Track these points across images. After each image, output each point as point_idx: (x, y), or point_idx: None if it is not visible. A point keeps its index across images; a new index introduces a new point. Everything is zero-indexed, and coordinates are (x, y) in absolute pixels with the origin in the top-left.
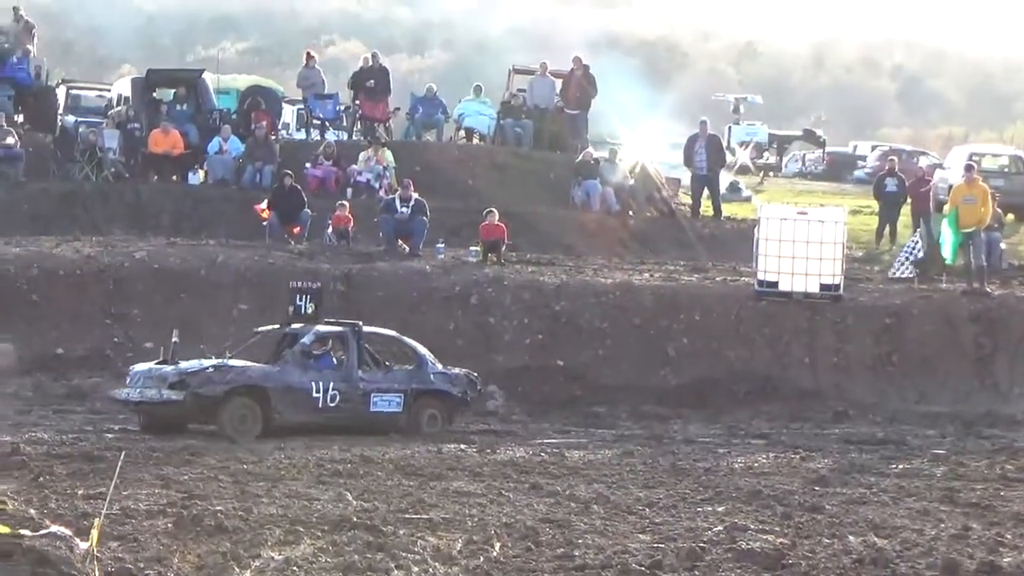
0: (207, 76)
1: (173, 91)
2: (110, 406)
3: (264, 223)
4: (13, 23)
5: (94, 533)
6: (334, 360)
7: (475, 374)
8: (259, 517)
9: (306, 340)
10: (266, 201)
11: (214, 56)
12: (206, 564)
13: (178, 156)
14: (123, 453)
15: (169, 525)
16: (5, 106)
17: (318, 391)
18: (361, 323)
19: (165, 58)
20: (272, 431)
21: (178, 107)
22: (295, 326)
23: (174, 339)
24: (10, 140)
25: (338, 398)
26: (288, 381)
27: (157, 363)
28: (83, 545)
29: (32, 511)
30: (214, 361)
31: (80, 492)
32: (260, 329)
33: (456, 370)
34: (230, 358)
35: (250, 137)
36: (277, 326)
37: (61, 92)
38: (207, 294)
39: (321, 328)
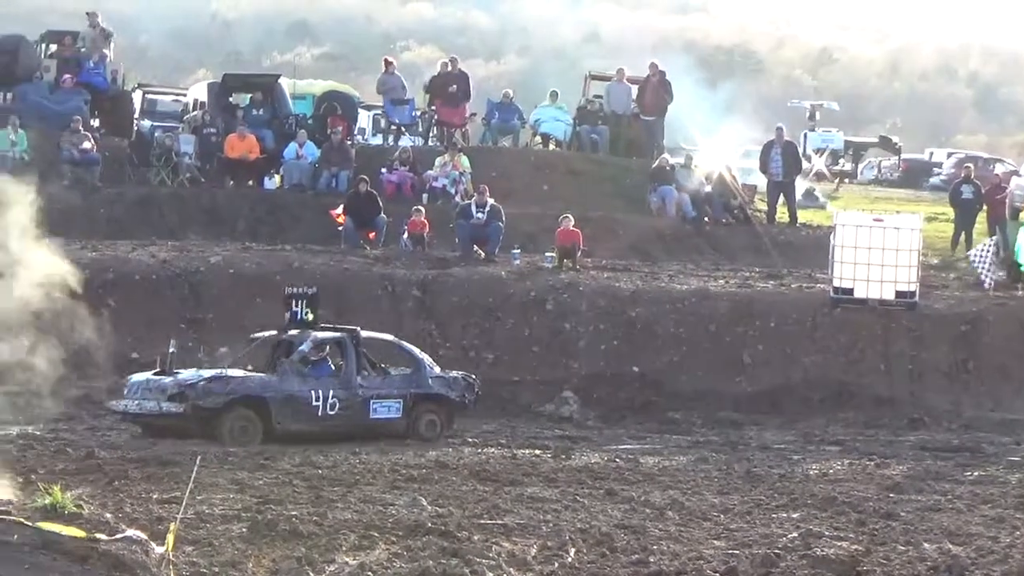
0: (283, 81)
1: (249, 96)
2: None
3: (340, 228)
4: (89, 28)
5: (170, 537)
6: (331, 367)
7: (473, 377)
8: (333, 522)
9: (304, 347)
10: (342, 206)
11: (290, 61)
12: (280, 569)
13: (254, 161)
14: (198, 458)
15: (244, 530)
16: (82, 111)
17: (318, 399)
18: (359, 328)
19: (241, 63)
20: (272, 441)
21: (254, 112)
22: (292, 332)
23: (171, 349)
24: (87, 145)
25: (338, 406)
26: (288, 390)
27: (155, 374)
28: (158, 549)
29: (107, 515)
30: (212, 372)
31: (155, 496)
32: (256, 336)
33: (454, 373)
34: (228, 367)
35: (326, 142)
36: (274, 332)
37: (137, 97)
38: (282, 300)
39: (319, 334)
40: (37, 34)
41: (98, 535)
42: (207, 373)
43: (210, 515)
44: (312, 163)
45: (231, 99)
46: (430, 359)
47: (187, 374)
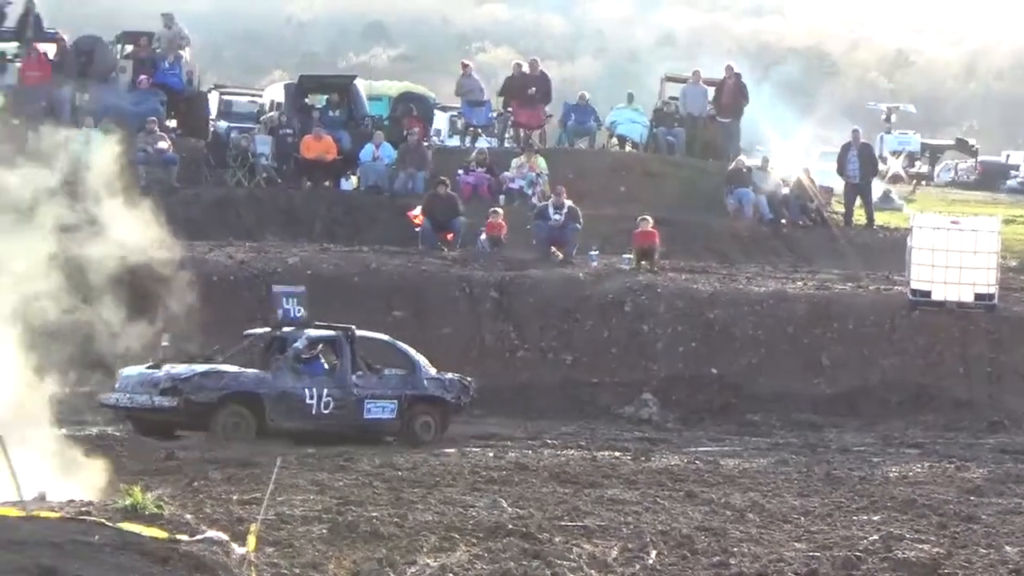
0: (359, 82)
1: (326, 97)
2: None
3: (417, 230)
4: (165, 29)
5: (251, 538)
6: (325, 365)
7: (469, 379)
8: (414, 524)
9: (299, 345)
10: (419, 207)
11: (366, 62)
12: (361, 570)
13: (331, 162)
14: (279, 459)
15: (324, 531)
16: (158, 112)
17: (312, 397)
18: (354, 327)
19: (316, 64)
20: (265, 438)
21: (330, 113)
22: (285, 330)
23: (164, 343)
24: (163, 145)
25: (332, 404)
26: (282, 387)
27: (148, 367)
28: (239, 550)
29: (188, 516)
30: (205, 366)
31: (235, 497)
32: (249, 332)
33: (449, 375)
34: (221, 362)
35: (402, 144)
36: (267, 329)
37: (213, 98)
38: (359, 301)
39: (313, 332)
40: (113, 35)
41: (179, 536)
42: (200, 368)
43: (291, 516)
44: (389, 165)
45: (307, 100)
46: (425, 360)
47: (179, 368)
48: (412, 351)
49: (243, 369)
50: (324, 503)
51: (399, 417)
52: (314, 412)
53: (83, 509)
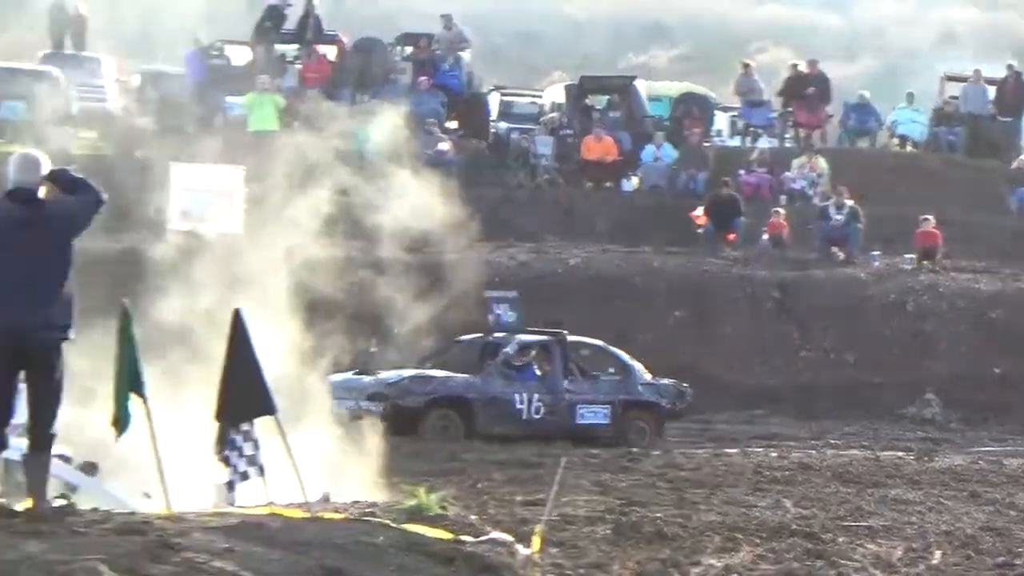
0: (639, 83)
1: (606, 98)
2: None
3: (699, 230)
4: (444, 31)
5: (536, 539)
6: (537, 371)
7: (685, 385)
8: (698, 524)
9: (509, 350)
10: (701, 208)
11: (645, 63)
12: (645, 571)
13: (611, 163)
14: (563, 459)
15: (608, 531)
16: (438, 113)
17: (522, 402)
18: (566, 332)
19: (596, 65)
20: (473, 440)
21: (610, 114)
22: (497, 335)
23: (372, 348)
24: (443, 146)
25: (543, 409)
26: (491, 392)
27: (354, 374)
28: (523, 551)
29: (472, 517)
30: (412, 372)
31: (519, 498)
32: (461, 338)
33: (664, 380)
34: (429, 367)
35: (683, 144)
36: (479, 335)
37: (494, 99)
38: (641, 301)
39: (524, 338)
40: (392, 37)
41: (463, 537)
42: (407, 373)
43: (574, 517)
44: (669, 165)
45: (587, 101)
46: (640, 366)
47: (388, 374)
48: (626, 356)
49: (451, 374)
50: (607, 503)
51: (612, 422)
52: (524, 417)
53: (367, 510)
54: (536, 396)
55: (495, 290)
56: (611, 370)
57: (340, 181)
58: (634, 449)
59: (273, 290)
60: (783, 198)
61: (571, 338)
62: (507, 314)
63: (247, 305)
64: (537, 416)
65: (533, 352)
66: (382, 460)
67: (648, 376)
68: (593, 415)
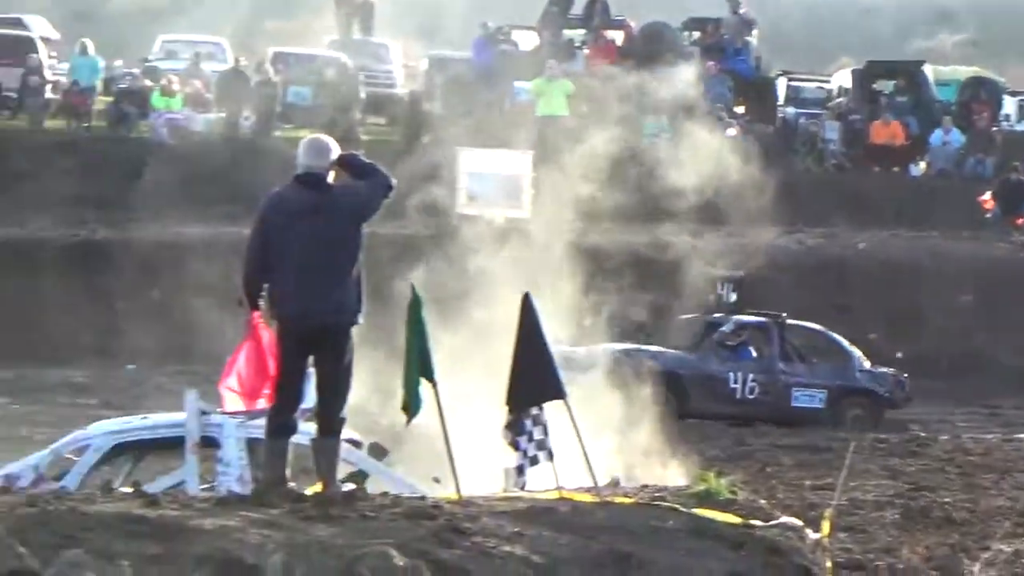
0: (926, 67)
1: (893, 82)
2: None
3: (987, 214)
4: (732, 15)
5: (825, 524)
6: (753, 352)
7: (905, 375)
8: (987, 509)
9: (726, 329)
10: (989, 192)
11: (933, 47)
12: (934, 556)
13: (899, 147)
14: (852, 444)
15: (897, 516)
16: (725, 97)
17: (736, 382)
18: (785, 315)
19: (883, 49)
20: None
21: (898, 98)
22: (717, 315)
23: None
24: (730, 131)
25: (757, 390)
26: (705, 370)
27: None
28: (813, 536)
29: (762, 501)
30: (625, 345)
31: (807, 483)
32: (683, 317)
33: (884, 369)
34: (646, 343)
35: (971, 128)
36: (698, 315)
37: (781, 84)
38: (928, 286)
39: (742, 318)
40: (680, 21)
41: (753, 521)
42: (619, 346)
43: (863, 501)
44: (958, 149)
45: (875, 86)
46: (860, 353)
47: (599, 347)
48: (846, 343)
49: (664, 350)
50: (896, 488)
51: (828, 407)
52: (738, 396)
53: (657, 495)
54: (751, 376)
55: (723, 270)
56: (830, 356)
57: (626, 164)
58: (922, 434)
59: (560, 274)
60: None
61: (791, 322)
62: (728, 294)
63: (534, 290)
64: (751, 396)
65: (747, 332)
66: (669, 444)
67: (867, 364)
68: (808, 399)
